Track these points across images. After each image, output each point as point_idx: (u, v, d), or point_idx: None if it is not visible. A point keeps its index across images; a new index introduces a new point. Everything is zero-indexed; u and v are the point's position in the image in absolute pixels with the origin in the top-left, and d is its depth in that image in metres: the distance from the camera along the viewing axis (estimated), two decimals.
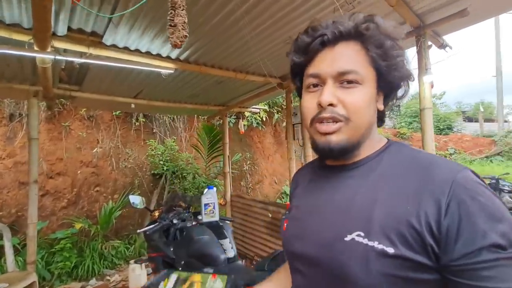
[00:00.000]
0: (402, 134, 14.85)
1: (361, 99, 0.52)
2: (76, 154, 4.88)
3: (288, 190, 7.31)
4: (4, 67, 2.28)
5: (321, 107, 0.52)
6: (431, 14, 1.94)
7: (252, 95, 3.55)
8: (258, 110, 4.68)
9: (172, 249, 1.95)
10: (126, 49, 2.07)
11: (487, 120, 17.93)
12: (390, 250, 0.44)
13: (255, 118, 6.16)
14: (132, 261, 3.09)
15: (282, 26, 2.02)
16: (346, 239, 0.49)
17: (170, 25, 0.84)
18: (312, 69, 0.55)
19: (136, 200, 2.28)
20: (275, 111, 6.80)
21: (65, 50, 2.00)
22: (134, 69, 2.40)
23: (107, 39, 1.92)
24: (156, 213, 2.30)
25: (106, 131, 5.31)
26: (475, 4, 1.78)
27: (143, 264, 3.10)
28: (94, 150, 5.02)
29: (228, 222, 2.16)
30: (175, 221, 2.08)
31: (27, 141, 2.75)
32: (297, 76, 0.62)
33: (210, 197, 1.92)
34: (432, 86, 2.10)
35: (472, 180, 0.46)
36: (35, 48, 1.67)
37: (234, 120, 5.91)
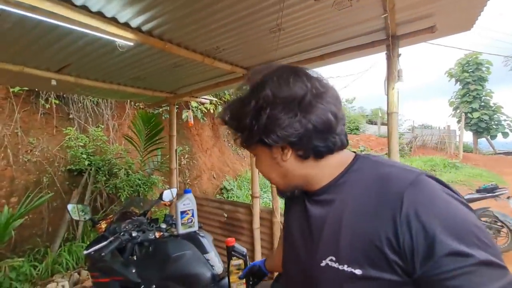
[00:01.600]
0: None
1: (259, 166, 0.62)
2: None
3: (227, 185, 7.16)
4: None
5: None
6: (404, 26, 2.08)
7: (210, 84, 3.21)
8: (207, 101, 4.31)
9: (134, 271, 1.53)
10: (67, 2, 1.48)
11: (384, 123, 21.95)
12: (358, 272, 0.46)
13: (200, 109, 5.71)
14: (51, 286, 2.37)
15: (274, 12, 1.82)
16: (321, 264, 0.51)
17: None
18: None
19: (75, 209, 1.71)
20: (218, 103, 6.48)
21: None
22: (72, 33, 1.77)
23: None
24: (103, 225, 1.78)
25: None
26: (440, 22, 2.00)
27: None
28: None
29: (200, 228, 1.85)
30: (134, 234, 1.64)
31: None
32: None
33: (188, 203, 1.59)
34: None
35: (424, 187, 0.45)
36: None
37: (176, 110, 5.31)
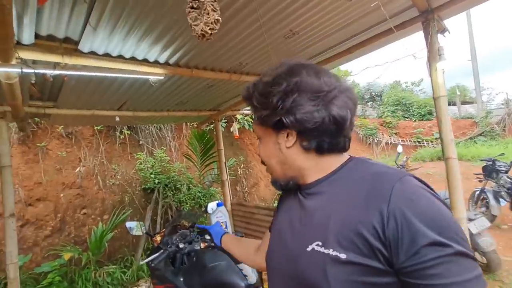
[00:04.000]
0: (388, 123, 15.12)
1: (262, 150, 0.65)
2: (57, 176, 4.47)
3: None
4: None
5: None
6: None
7: None
8: (250, 112, 4.47)
9: (182, 279, 1.71)
10: (107, 56, 1.80)
11: (464, 102, 18.61)
12: (343, 256, 0.48)
13: (246, 120, 5.94)
14: None
15: (282, 19, 1.83)
16: (308, 249, 0.53)
17: (192, 7, 0.61)
18: None
19: (133, 225, 2.02)
20: None
21: (34, 62, 1.71)
22: (117, 78, 2.13)
23: (84, 46, 1.65)
24: (158, 238, 2.04)
25: (88, 148, 4.93)
26: None
27: None
28: (77, 170, 4.63)
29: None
30: (181, 246, 1.83)
31: None
32: None
33: (220, 215, 1.70)
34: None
35: (410, 185, 0.49)
36: None
37: (225, 124, 5.67)
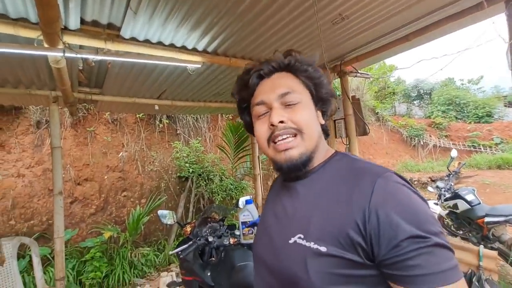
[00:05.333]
0: (437, 124, 13.74)
1: (305, 113, 0.61)
2: (102, 159, 4.80)
3: None
4: (19, 71, 2.10)
5: (273, 126, 0.59)
6: None
7: None
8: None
9: (209, 274, 1.67)
10: (147, 42, 1.79)
11: None
12: (323, 249, 0.50)
13: None
14: (163, 274, 2.89)
15: (331, 1, 1.64)
16: (290, 241, 0.56)
17: None
18: (257, 99, 0.64)
19: (165, 214, 2.03)
20: None
21: (81, 47, 1.76)
22: (157, 66, 2.13)
23: (126, 31, 1.65)
24: (188, 228, 2.02)
25: (131, 134, 5.20)
26: None
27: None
28: (120, 154, 4.92)
29: None
30: (210, 239, 1.79)
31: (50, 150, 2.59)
32: (244, 112, 0.70)
33: (247, 214, 1.61)
34: None
35: (391, 181, 0.51)
36: (45, 45, 1.42)
37: None
